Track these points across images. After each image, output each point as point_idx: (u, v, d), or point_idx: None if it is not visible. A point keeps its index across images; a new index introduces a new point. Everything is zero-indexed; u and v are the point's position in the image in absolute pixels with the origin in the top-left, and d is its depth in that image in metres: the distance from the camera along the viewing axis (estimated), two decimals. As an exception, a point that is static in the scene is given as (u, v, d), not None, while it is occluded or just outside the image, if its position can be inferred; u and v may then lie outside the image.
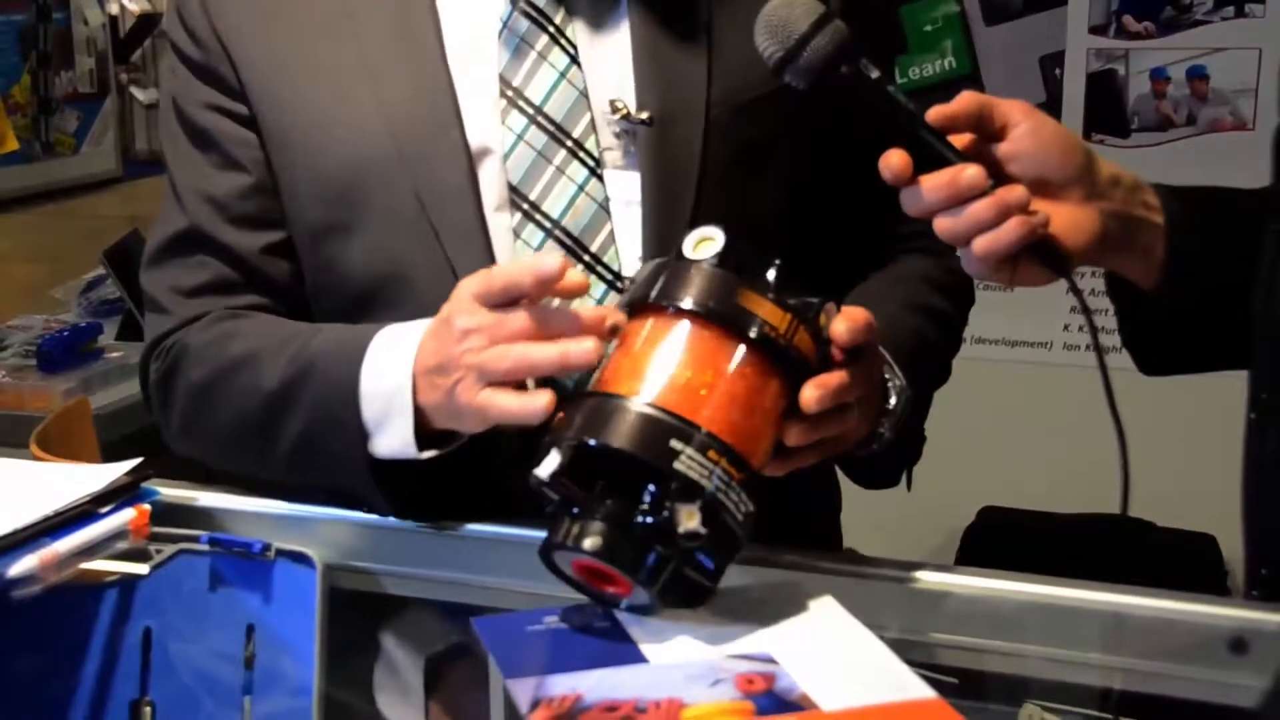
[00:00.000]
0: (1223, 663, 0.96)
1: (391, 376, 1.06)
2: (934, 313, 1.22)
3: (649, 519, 0.89)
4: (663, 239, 1.14)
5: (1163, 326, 1.08)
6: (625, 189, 1.16)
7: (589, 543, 0.90)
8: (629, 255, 1.15)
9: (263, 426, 1.13)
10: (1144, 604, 0.99)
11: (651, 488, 0.89)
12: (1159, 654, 0.98)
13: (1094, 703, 1.02)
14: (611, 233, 1.15)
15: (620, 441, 0.89)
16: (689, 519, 0.88)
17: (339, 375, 1.08)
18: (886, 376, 1.10)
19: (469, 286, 1.02)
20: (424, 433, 1.06)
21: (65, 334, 2.74)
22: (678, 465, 0.89)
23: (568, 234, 1.15)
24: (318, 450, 1.11)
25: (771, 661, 0.88)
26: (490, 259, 1.15)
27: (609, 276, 1.15)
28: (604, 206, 1.16)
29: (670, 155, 1.16)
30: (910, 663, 0.88)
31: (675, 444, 0.89)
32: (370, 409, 1.07)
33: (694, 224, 1.09)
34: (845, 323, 0.96)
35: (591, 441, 0.90)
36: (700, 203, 1.15)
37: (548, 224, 1.15)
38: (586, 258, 1.15)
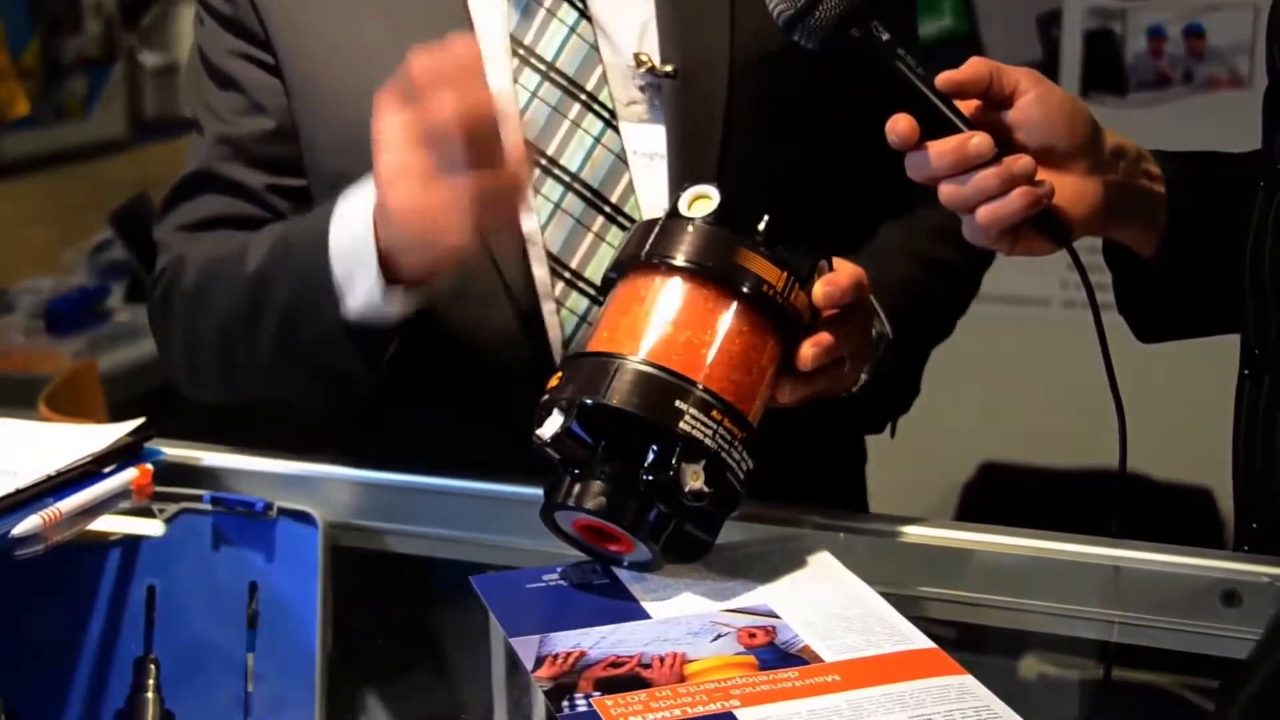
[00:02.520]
0: (1215, 614, 0.96)
1: (353, 225, 1.03)
2: (935, 263, 1.20)
3: (652, 478, 0.88)
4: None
5: (1161, 294, 1.07)
6: (650, 142, 1.15)
7: (592, 502, 0.89)
8: (651, 208, 1.14)
9: (247, 317, 1.11)
10: (1138, 557, 0.99)
11: (655, 447, 0.88)
12: (1153, 606, 0.98)
13: (1090, 654, 1.02)
14: (630, 183, 1.14)
15: (625, 402, 0.88)
16: (694, 479, 0.88)
17: (310, 239, 1.06)
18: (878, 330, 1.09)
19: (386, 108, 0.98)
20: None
21: (73, 296, 2.74)
22: (682, 425, 0.88)
23: (586, 186, 1.14)
24: (296, 326, 1.08)
25: (772, 615, 0.88)
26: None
27: (630, 227, 1.13)
28: (621, 158, 1.15)
29: (695, 107, 1.14)
30: (912, 618, 0.88)
31: (679, 404, 0.88)
32: (340, 266, 1.04)
33: (720, 177, 1.07)
34: (825, 286, 0.95)
35: (595, 402, 0.89)
36: (725, 155, 1.14)
37: (566, 177, 1.14)
38: (607, 209, 1.14)
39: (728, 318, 0.91)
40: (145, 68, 3.48)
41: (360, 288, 1.03)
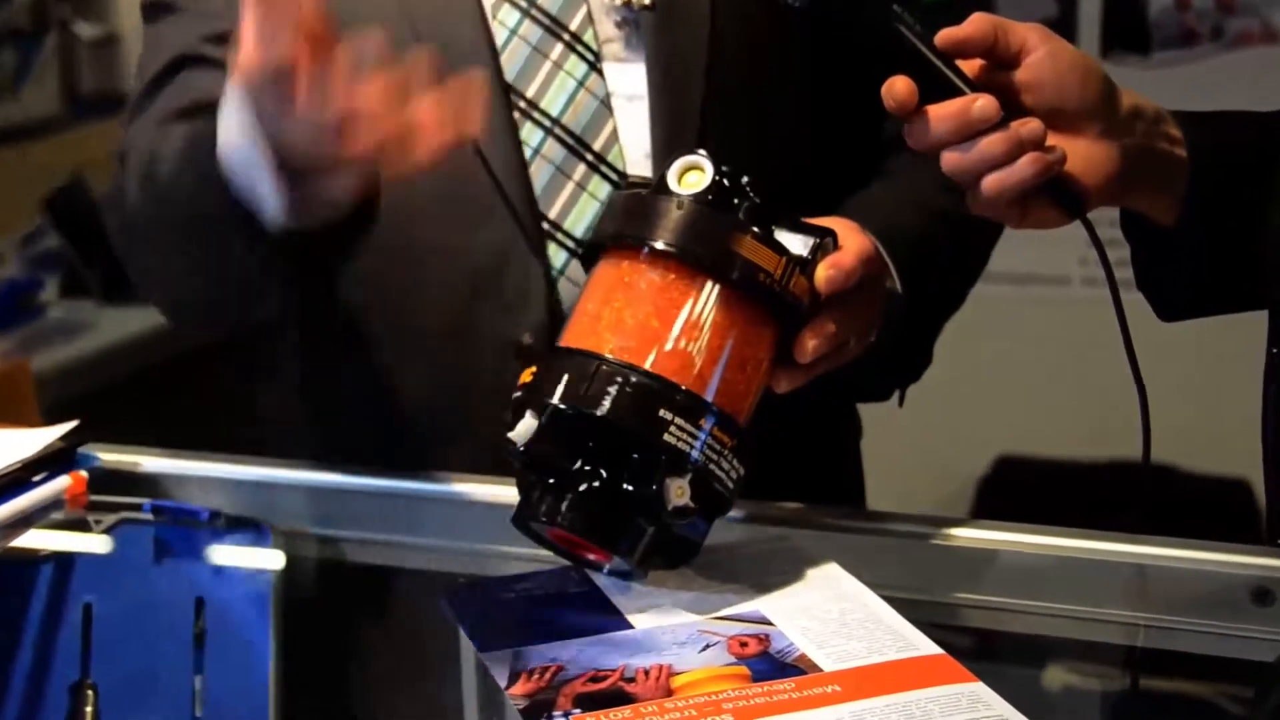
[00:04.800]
0: (1247, 614, 0.97)
1: (237, 119, 0.97)
2: (947, 216, 1.19)
3: (632, 488, 0.88)
4: (671, 135, 1.14)
5: (1182, 267, 1.08)
6: (629, 82, 1.16)
7: (568, 518, 0.89)
8: (635, 154, 1.15)
9: (174, 216, 1.08)
10: (1163, 554, 0.99)
11: (636, 456, 0.88)
12: (1179, 607, 0.99)
13: (1112, 660, 1.03)
14: (615, 131, 1.15)
15: (605, 411, 0.88)
16: (679, 494, 0.88)
17: (206, 135, 1.01)
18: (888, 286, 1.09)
19: None
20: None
21: (3, 290, 2.73)
22: (667, 437, 0.88)
23: (568, 132, 1.15)
24: (213, 237, 1.04)
25: (766, 623, 0.88)
26: (509, 118, 1.14)
27: (614, 177, 1.15)
28: (605, 103, 1.16)
29: (676, 43, 1.15)
30: (918, 623, 0.88)
31: (664, 413, 0.88)
32: (238, 168, 0.98)
33: (704, 117, 1.07)
34: (828, 270, 0.94)
35: (572, 408, 0.88)
36: (710, 95, 1.15)
37: (547, 122, 1.15)
38: (590, 157, 1.15)
39: (719, 311, 0.91)
40: (80, 40, 3.47)
41: (260, 181, 0.97)
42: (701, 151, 0.94)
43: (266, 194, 0.97)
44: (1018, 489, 2.72)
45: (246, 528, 1.06)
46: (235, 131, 0.97)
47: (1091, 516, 1.05)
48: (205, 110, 1.08)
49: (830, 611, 0.89)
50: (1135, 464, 1.01)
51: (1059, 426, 2.69)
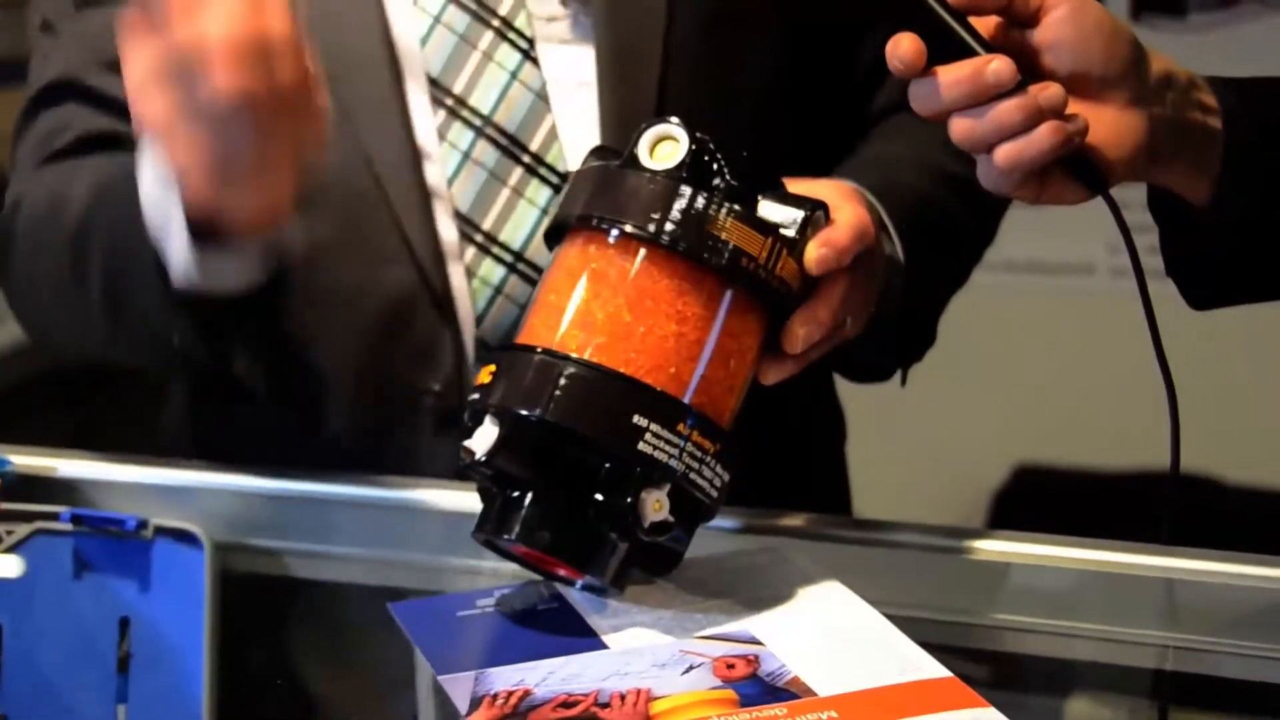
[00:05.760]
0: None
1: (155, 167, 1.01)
2: (951, 177, 1.20)
3: (604, 500, 0.88)
4: (624, 124, 1.13)
5: (1215, 250, 1.08)
6: (574, 68, 1.16)
7: (532, 535, 0.90)
8: (577, 153, 1.14)
9: (70, 277, 1.11)
10: (1195, 568, 1.00)
11: (608, 466, 0.88)
12: (1213, 627, 0.99)
13: (1139, 686, 1.03)
14: (554, 128, 1.15)
15: (573, 419, 0.88)
16: (656, 508, 0.88)
17: (127, 186, 1.03)
18: (887, 250, 1.09)
19: None
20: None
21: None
22: (642, 446, 0.88)
23: (502, 132, 1.15)
24: (121, 295, 1.08)
25: (755, 642, 0.89)
26: (413, 149, 1.15)
27: (554, 180, 1.15)
28: (542, 96, 1.15)
29: (629, 17, 1.15)
30: (924, 643, 0.89)
31: (638, 419, 0.88)
32: (153, 220, 1.02)
33: (662, 101, 1.06)
34: (820, 249, 0.94)
35: (535, 416, 0.88)
36: (668, 77, 1.15)
37: (477, 121, 1.15)
38: (526, 158, 1.15)
39: (700, 302, 0.91)
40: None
41: (174, 245, 1.01)
42: (674, 120, 0.93)
43: (178, 248, 1.00)
44: (1034, 498, 2.73)
45: (177, 538, 1.05)
46: (150, 182, 1.00)
47: (1116, 528, 1.06)
48: (91, 146, 1.15)
49: (827, 630, 0.90)
50: (1164, 471, 1.01)
51: (1081, 430, 2.70)
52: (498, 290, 1.14)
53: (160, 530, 1.05)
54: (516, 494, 0.90)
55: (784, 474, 1.16)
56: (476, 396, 0.91)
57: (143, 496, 1.11)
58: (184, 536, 1.05)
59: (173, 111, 0.91)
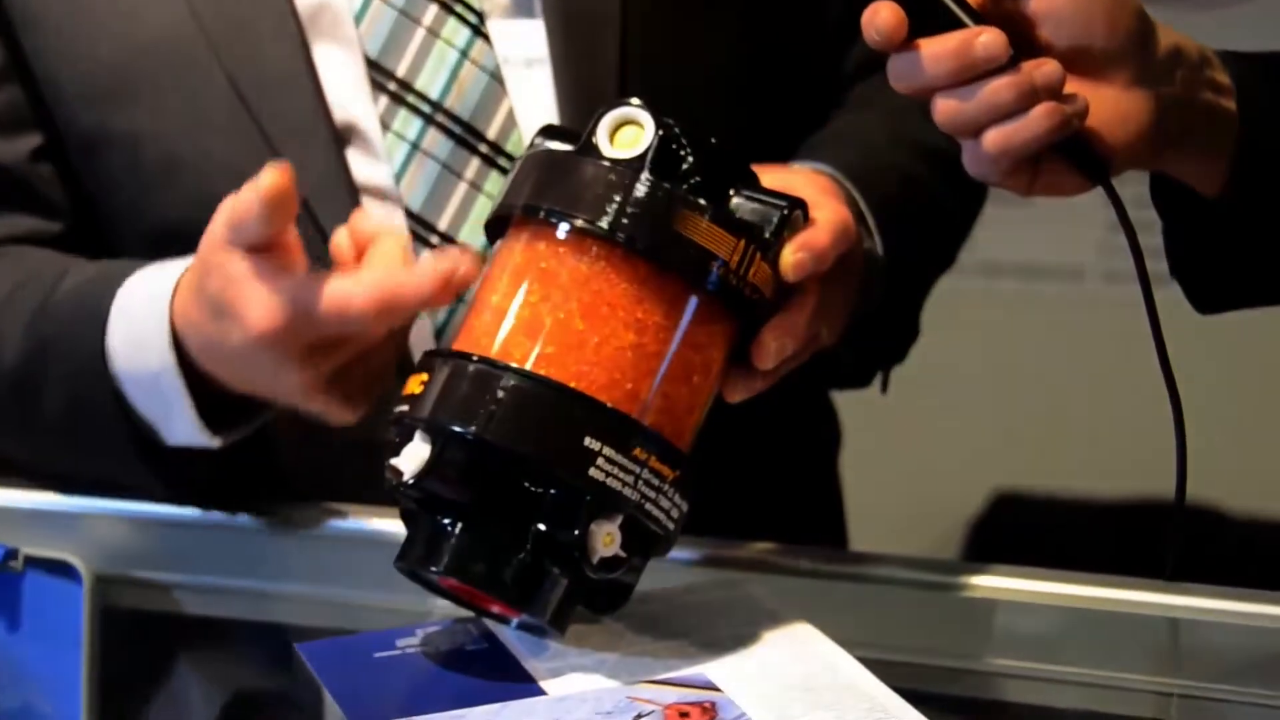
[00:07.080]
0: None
1: (148, 350, 1.06)
2: (932, 151, 1.21)
3: (547, 530, 0.89)
4: (580, 105, 1.14)
5: (1226, 246, 1.09)
6: (525, 44, 1.17)
7: (464, 569, 0.90)
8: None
9: (18, 412, 1.14)
10: (1201, 606, 1.01)
11: (554, 493, 0.88)
12: (1220, 673, 1.00)
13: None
14: (511, 112, 1.16)
15: (515, 439, 0.88)
16: (607, 542, 0.89)
17: (84, 352, 1.09)
18: (866, 245, 1.11)
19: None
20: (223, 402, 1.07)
21: None
22: (594, 473, 0.87)
23: (454, 119, 1.15)
24: (80, 441, 1.12)
25: (712, 688, 0.90)
26: (342, 165, 1.16)
27: None
28: (496, 76, 1.16)
29: None
30: (900, 690, 0.90)
31: (589, 441, 0.87)
32: (139, 395, 1.07)
33: (622, 79, 1.08)
34: (797, 253, 0.94)
35: (472, 435, 0.88)
36: (627, 52, 1.16)
37: (426, 107, 1.16)
38: (483, 148, 1.15)
39: (662, 310, 0.91)
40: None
41: (179, 423, 1.07)
42: (636, 101, 0.93)
43: (186, 425, 1.06)
44: (1023, 529, 2.74)
45: (53, 570, 1.06)
46: (141, 363, 1.05)
47: (1114, 562, 1.07)
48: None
49: (792, 675, 0.91)
50: (1166, 498, 1.01)
51: (1075, 454, 2.71)
52: (459, 299, 1.14)
53: (32, 561, 1.06)
54: (447, 520, 0.90)
55: (768, 485, 1.18)
56: (405, 408, 0.90)
57: (14, 523, 1.12)
58: (59, 568, 1.06)
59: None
